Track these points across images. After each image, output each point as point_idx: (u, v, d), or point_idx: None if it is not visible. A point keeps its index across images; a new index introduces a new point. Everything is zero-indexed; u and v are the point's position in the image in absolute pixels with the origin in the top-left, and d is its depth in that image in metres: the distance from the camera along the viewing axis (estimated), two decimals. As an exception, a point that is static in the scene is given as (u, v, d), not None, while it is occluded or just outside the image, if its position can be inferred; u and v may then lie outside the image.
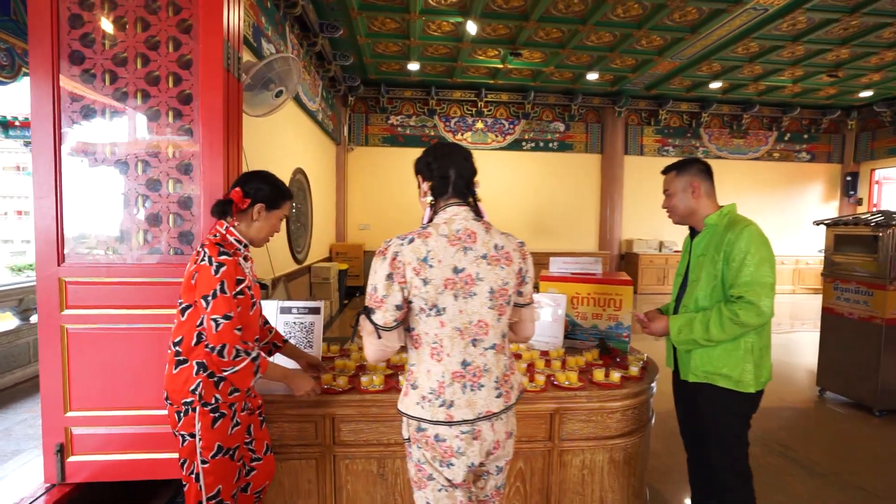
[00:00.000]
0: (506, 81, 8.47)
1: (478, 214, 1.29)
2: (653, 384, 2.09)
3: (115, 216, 1.98)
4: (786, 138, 9.91)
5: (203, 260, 1.37)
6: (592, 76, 7.97)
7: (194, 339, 1.40)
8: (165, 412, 1.96)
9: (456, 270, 1.19)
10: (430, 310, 1.19)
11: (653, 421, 2.16)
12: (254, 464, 1.62)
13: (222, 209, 1.47)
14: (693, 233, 1.86)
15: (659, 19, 5.79)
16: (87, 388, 1.99)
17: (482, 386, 1.23)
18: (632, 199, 9.56)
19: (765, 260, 1.60)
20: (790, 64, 7.25)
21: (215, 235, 1.46)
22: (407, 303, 1.20)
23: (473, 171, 1.31)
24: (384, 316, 1.18)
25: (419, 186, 1.34)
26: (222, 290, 1.36)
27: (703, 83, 8.27)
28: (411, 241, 1.19)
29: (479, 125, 9.22)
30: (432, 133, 9.11)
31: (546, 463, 1.92)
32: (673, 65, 7.39)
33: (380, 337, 1.19)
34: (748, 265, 1.59)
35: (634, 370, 2.05)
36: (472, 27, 5.95)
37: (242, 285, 1.42)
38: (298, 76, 3.03)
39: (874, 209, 9.63)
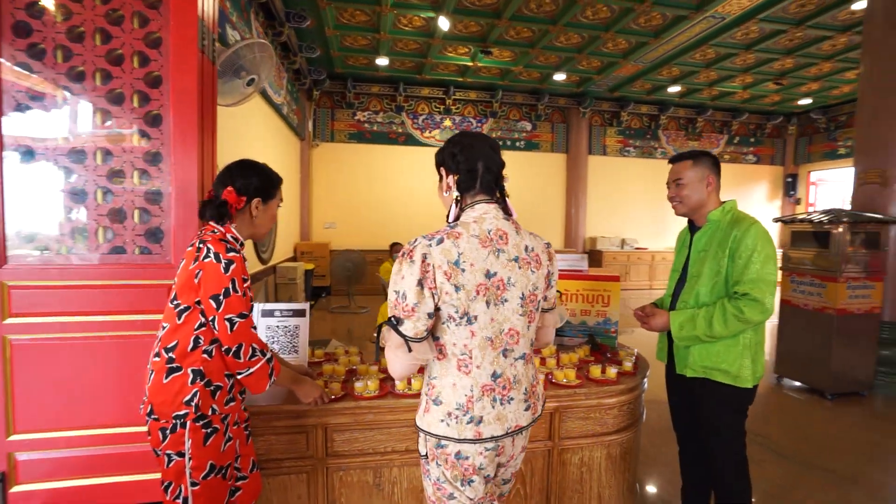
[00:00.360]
0: (474, 79, 8.46)
1: (506, 212, 1.20)
2: (645, 379, 2.10)
3: (70, 212, 1.77)
4: (735, 141, 10.50)
5: (208, 257, 1.24)
6: (560, 76, 8.10)
7: (191, 345, 1.26)
8: (129, 430, 1.80)
9: (488, 275, 1.10)
10: (461, 318, 1.09)
11: (644, 415, 2.17)
12: (239, 483, 1.47)
13: (219, 213, 1.33)
14: (692, 228, 1.86)
15: (626, 23, 5.95)
16: (34, 407, 1.76)
17: (512, 399, 1.15)
18: (595, 197, 9.82)
19: (770, 258, 1.60)
20: (741, 71, 7.67)
21: (214, 232, 1.32)
22: (435, 310, 1.09)
23: (502, 164, 1.22)
24: (415, 326, 1.06)
25: (441, 179, 1.23)
26: (234, 289, 1.25)
27: (663, 87, 8.61)
28: (440, 241, 1.08)
29: (448, 123, 9.16)
30: (400, 130, 8.96)
31: (546, 463, 1.88)
32: (636, 68, 7.63)
33: (410, 350, 1.07)
34: (755, 262, 1.59)
35: (628, 365, 2.05)
36: (444, 23, 5.88)
37: (246, 285, 1.30)
38: (272, 65, 2.85)
39: (811, 208, 10.39)
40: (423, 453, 1.18)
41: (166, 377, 1.24)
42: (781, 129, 10.65)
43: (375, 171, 8.83)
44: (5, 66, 1.68)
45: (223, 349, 1.27)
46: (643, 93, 9.05)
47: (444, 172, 1.22)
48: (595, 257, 9.59)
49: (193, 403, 1.24)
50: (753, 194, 10.70)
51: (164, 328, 1.29)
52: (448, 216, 1.18)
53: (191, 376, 1.25)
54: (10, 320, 1.72)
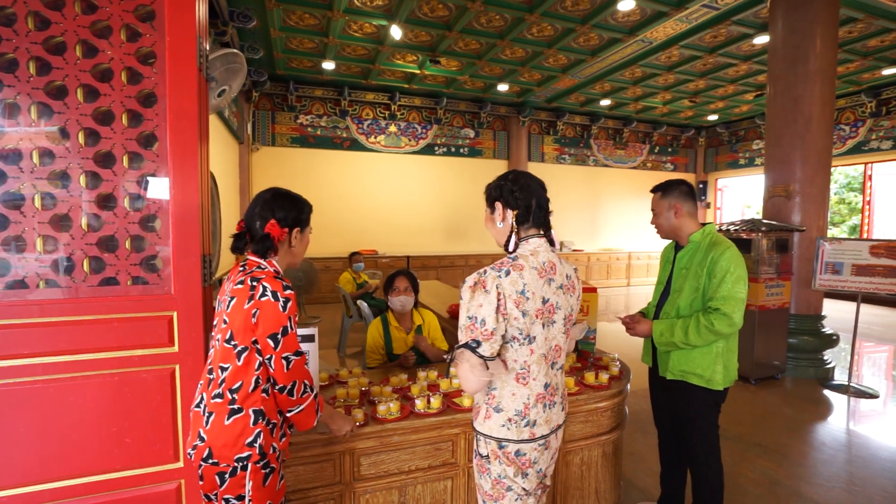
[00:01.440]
0: (420, 87, 8.54)
1: (550, 242, 1.37)
2: (628, 382, 2.32)
3: (52, 241, 1.59)
4: (655, 151, 11.58)
5: (265, 296, 1.22)
6: (503, 87, 8.43)
7: (252, 385, 1.22)
8: (129, 473, 1.67)
9: (544, 301, 1.28)
10: (524, 339, 1.27)
11: (627, 413, 2.39)
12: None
13: (264, 247, 1.32)
14: (677, 246, 2.09)
15: (567, 41, 6.36)
16: (8, 460, 1.56)
17: (555, 403, 1.36)
18: (535, 202, 10.32)
19: (740, 278, 1.83)
20: (663, 89, 8.50)
21: (262, 268, 1.30)
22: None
23: (548, 201, 1.40)
24: (492, 347, 1.22)
25: (493, 212, 1.38)
26: (291, 327, 1.25)
27: (595, 100, 9.28)
28: (507, 273, 1.24)
29: (393, 129, 9.15)
30: (345, 135, 8.79)
31: (555, 465, 2.02)
32: (573, 82, 8.16)
33: (488, 368, 1.21)
34: (727, 282, 1.81)
35: (615, 370, 2.26)
36: (396, 32, 5.89)
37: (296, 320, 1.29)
38: (244, 75, 2.73)
39: (717, 211, 11.75)
40: (485, 454, 1.32)
41: (228, 418, 1.20)
42: (693, 141, 11.92)
43: (320, 176, 8.58)
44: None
45: (277, 387, 1.25)
46: (577, 105, 9.69)
47: (500, 206, 1.37)
48: (537, 259, 10.08)
49: (257, 444, 1.21)
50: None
51: (223, 368, 1.24)
52: (506, 245, 1.35)
53: (252, 417, 1.21)
54: (-21, 366, 1.51)
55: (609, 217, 11.04)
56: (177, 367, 1.71)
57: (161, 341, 1.69)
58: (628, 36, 6.16)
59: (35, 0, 1.52)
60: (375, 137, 9.02)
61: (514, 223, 1.33)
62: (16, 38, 1.52)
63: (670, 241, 2.15)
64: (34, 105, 1.55)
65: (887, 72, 7.54)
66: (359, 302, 4.51)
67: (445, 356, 1.33)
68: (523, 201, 1.32)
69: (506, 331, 1.24)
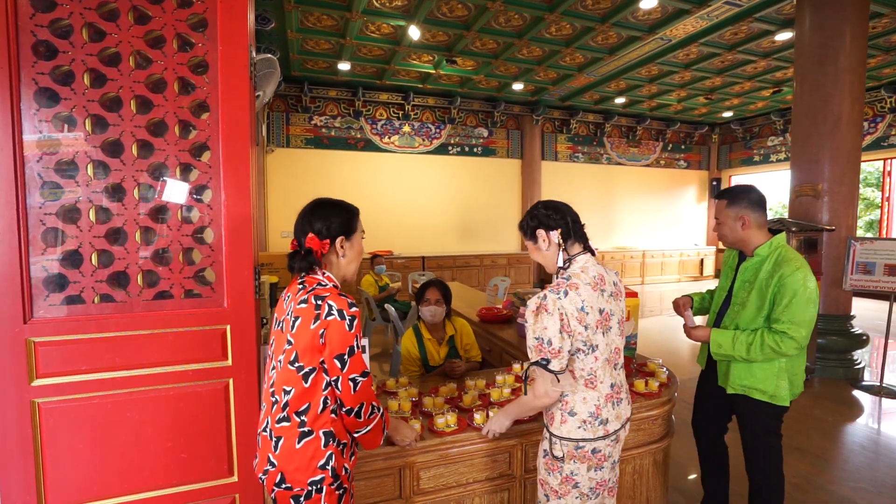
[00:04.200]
0: (434, 86, 8.49)
1: (592, 252, 1.50)
2: (676, 389, 2.28)
3: (106, 254, 1.57)
4: (669, 148, 11.48)
5: (331, 315, 1.17)
6: (517, 86, 8.37)
7: (320, 406, 1.19)
8: (185, 488, 1.65)
9: (600, 311, 1.39)
10: (588, 349, 1.38)
11: (674, 420, 2.36)
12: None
13: (308, 262, 1.26)
14: (741, 255, 2.00)
15: (585, 40, 6.30)
16: (69, 477, 1.55)
17: (622, 399, 1.48)
18: (548, 202, 10.25)
19: (810, 301, 1.73)
20: (679, 86, 8.41)
21: (324, 284, 1.25)
22: None
23: (578, 216, 1.53)
24: (560, 363, 1.34)
25: (536, 241, 1.49)
26: (357, 345, 1.19)
27: (610, 98, 9.20)
28: (566, 293, 1.35)
29: (407, 129, 9.11)
30: (359, 136, 8.77)
31: (604, 478, 1.99)
32: (588, 80, 8.09)
33: (559, 381, 1.35)
34: (796, 304, 1.71)
35: (663, 377, 2.22)
36: (415, 32, 5.85)
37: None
38: (277, 79, 2.70)
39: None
40: (559, 455, 1.41)
41: (298, 442, 1.17)
42: (706, 138, 11.80)
43: (334, 177, 8.57)
44: (31, 88, 1.45)
45: (344, 409, 1.21)
46: (591, 102, 9.61)
47: (542, 233, 1.48)
48: (550, 259, 10.03)
49: (330, 467, 1.18)
50: (685, 196, 11.76)
51: (286, 391, 1.20)
52: (557, 263, 1.47)
53: (323, 439, 1.18)
54: (38, 381, 1.50)
55: (623, 215, 10.95)
56: (230, 381, 1.69)
57: (215, 355, 1.67)
58: (647, 34, 6.09)
59: (91, 11, 1.50)
60: (389, 138, 8.99)
61: (560, 241, 1.45)
62: (72, 51, 1.50)
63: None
64: (89, 117, 1.53)
65: (909, 66, 7.42)
66: (386, 306, 4.48)
67: (522, 379, 1.45)
68: (561, 220, 1.45)
69: (571, 345, 1.35)
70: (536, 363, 1.35)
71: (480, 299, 4.65)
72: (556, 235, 1.44)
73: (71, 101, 1.51)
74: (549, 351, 1.33)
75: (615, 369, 1.45)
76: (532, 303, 1.38)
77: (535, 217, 1.49)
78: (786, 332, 1.73)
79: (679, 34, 6.15)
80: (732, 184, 11.69)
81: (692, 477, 2.82)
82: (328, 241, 1.30)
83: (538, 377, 1.36)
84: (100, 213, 1.56)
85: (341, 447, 1.22)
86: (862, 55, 4.42)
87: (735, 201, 1.90)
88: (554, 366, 1.33)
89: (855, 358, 4.55)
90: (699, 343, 2.22)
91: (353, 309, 1.20)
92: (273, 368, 1.27)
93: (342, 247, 1.34)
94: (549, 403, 1.40)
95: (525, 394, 1.44)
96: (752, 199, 1.89)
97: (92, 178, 1.55)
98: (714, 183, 11.64)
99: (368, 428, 1.25)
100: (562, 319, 1.32)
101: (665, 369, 2.31)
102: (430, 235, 9.30)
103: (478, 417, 1.70)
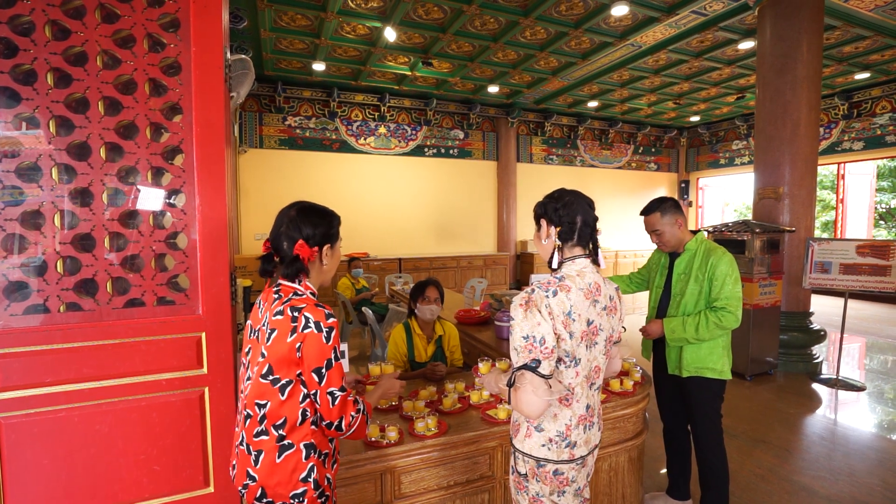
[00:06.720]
0: (410, 88, 8.48)
1: (595, 262, 1.34)
2: (651, 386, 2.35)
3: (75, 259, 1.51)
4: (640, 151, 11.79)
5: (308, 327, 1.13)
6: (493, 89, 8.44)
7: (299, 419, 1.16)
8: (160, 501, 1.60)
9: (588, 323, 1.26)
10: (570, 361, 1.24)
11: (648, 417, 2.43)
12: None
13: (296, 270, 1.21)
14: (672, 255, 2.26)
15: (559, 45, 6.42)
16: (31, 496, 1.48)
17: (593, 424, 1.33)
18: (524, 202, 10.37)
19: (737, 280, 2.06)
20: (649, 91, 8.66)
21: (299, 294, 1.21)
22: None
23: (596, 219, 1.35)
24: (550, 365, 1.17)
25: (539, 229, 1.37)
26: (336, 358, 1.15)
27: (582, 101, 9.39)
28: (555, 293, 1.22)
29: (382, 130, 9.06)
30: (334, 136, 8.67)
31: (582, 476, 2.03)
32: (562, 84, 8.24)
33: (550, 387, 1.15)
34: (728, 284, 2.03)
35: (637, 376, 2.29)
36: (390, 34, 5.83)
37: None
38: (251, 80, 2.65)
39: (700, 209, 12.05)
40: (523, 472, 1.31)
41: (279, 456, 1.15)
42: (675, 141, 12.19)
43: (309, 178, 8.44)
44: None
45: (325, 423, 1.18)
46: (565, 106, 9.79)
47: (544, 224, 1.35)
48: (526, 259, 10.15)
49: (312, 479, 1.16)
50: (655, 197, 12.09)
51: (260, 405, 1.16)
52: (550, 262, 1.34)
53: (304, 451, 1.16)
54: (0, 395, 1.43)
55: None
56: (206, 390, 1.65)
57: (189, 364, 1.63)
58: (619, 40, 6.25)
59: (54, 8, 1.44)
60: (365, 139, 8.92)
61: (558, 240, 1.30)
62: (34, 49, 1.43)
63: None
64: (53, 119, 1.47)
65: (860, 76, 7.85)
66: (364, 309, 4.45)
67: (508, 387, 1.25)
68: (567, 218, 1.30)
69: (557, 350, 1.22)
70: (525, 367, 1.16)
71: (458, 301, 4.67)
72: (554, 233, 1.30)
73: (33, 102, 1.45)
74: (541, 350, 1.15)
75: (591, 389, 1.30)
76: (519, 298, 1.22)
77: (543, 206, 1.36)
78: (725, 308, 2.02)
79: (649, 41, 6.35)
80: (700, 186, 12.11)
81: (664, 472, 2.91)
82: (316, 248, 1.27)
83: (526, 384, 1.14)
84: (65, 219, 1.50)
85: (323, 458, 1.20)
86: (818, 65, 4.66)
87: (666, 210, 2.18)
88: (543, 368, 1.15)
89: (814, 353, 4.79)
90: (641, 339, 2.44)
91: (331, 320, 1.16)
92: (248, 378, 1.23)
93: (326, 255, 1.31)
94: (536, 415, 1.17)
95: (509, 402, 1.23)
96: (675, 204, 2.20)
97: (57, 182, 1.49)
98: (682, 185, 12.03)
99: (353, 430, 1.23)
100: (552, 318, 1.18)
101: (639, 368, 2.38)
102: (406, 237, 9.28)
103: (482, 367, 1.68)
